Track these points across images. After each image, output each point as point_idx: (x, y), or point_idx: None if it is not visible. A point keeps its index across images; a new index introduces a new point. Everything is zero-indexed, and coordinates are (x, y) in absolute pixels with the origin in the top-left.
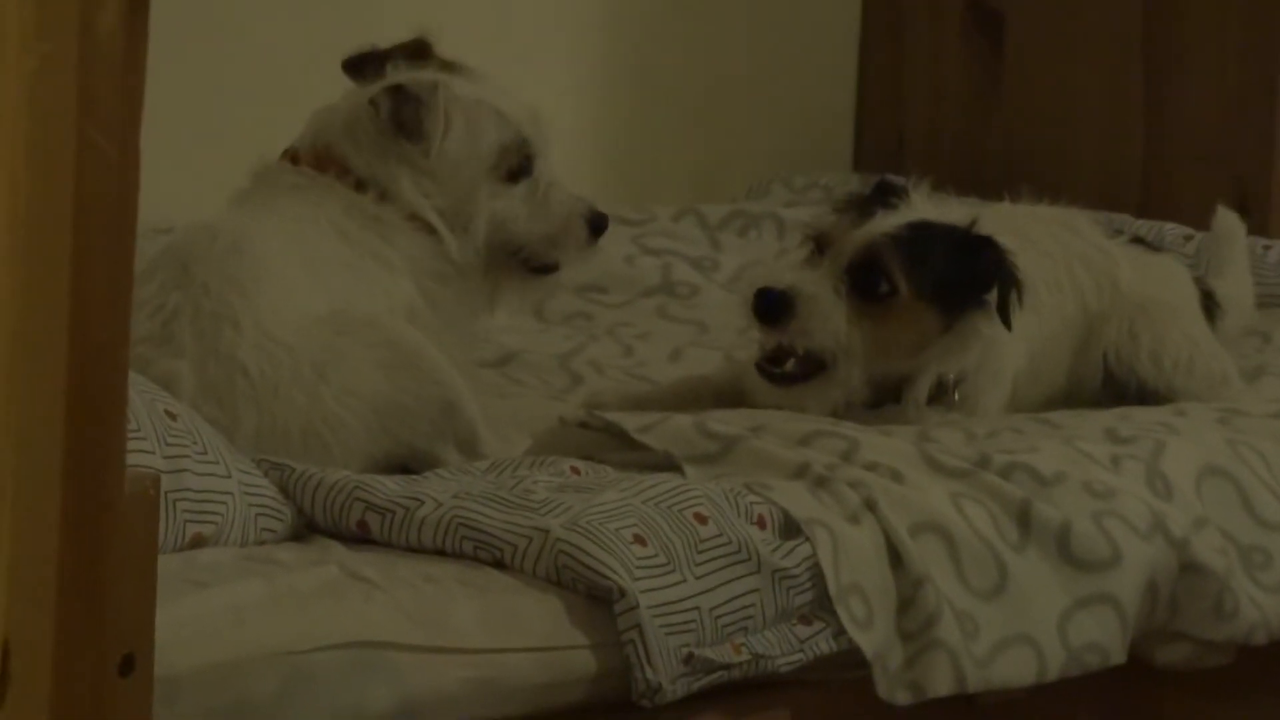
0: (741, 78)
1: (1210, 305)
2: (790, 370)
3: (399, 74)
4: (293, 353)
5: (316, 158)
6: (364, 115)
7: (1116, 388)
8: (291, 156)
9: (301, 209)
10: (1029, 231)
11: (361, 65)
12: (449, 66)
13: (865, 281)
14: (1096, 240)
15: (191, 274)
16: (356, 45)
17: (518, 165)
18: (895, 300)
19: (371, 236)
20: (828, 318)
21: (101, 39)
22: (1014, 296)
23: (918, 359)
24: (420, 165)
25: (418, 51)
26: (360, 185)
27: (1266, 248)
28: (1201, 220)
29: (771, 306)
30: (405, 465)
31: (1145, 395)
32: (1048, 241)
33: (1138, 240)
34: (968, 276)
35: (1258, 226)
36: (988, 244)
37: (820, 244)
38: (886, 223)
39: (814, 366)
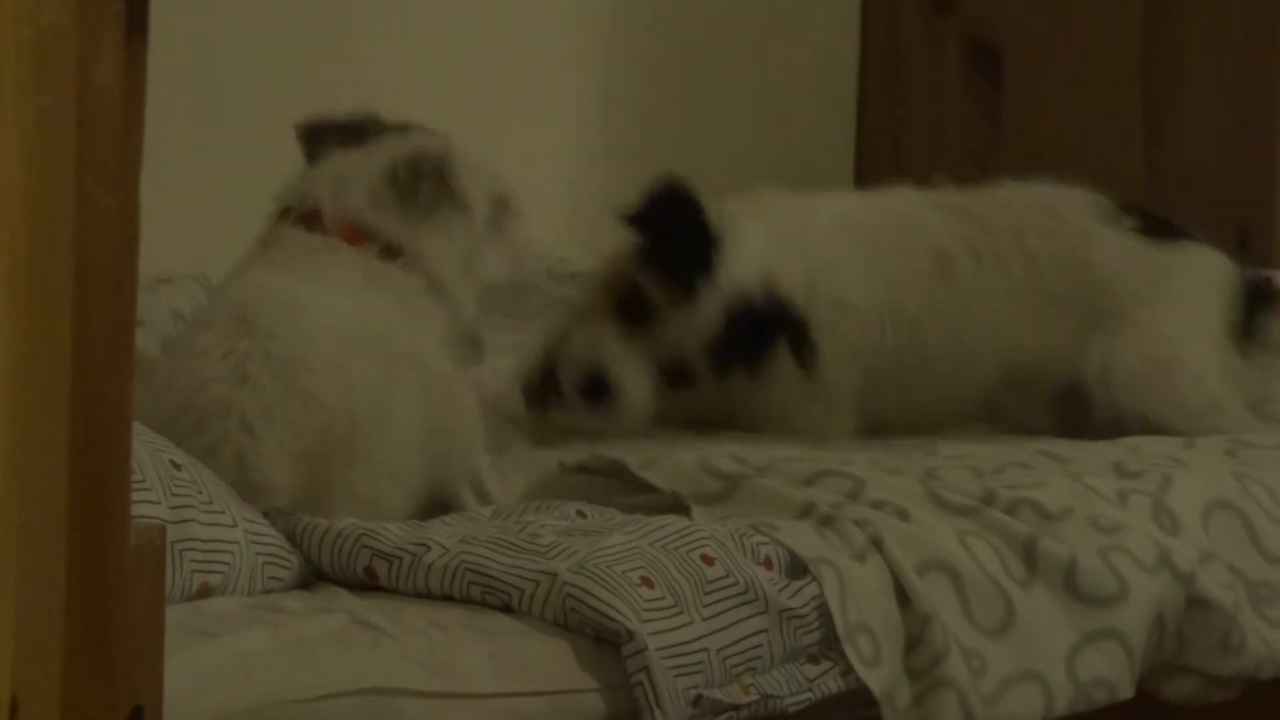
0: (739, 119)
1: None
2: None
3: (404, 141)
4: (365, 387)
5: (345, 229)
6: (384, 184)
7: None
8: (303, 219)
9: (331, 275)
10: (971, 208)
11: (319, 134)
12: (404, 129)
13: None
14: (1078, 222)
15: (255, 324)
16: (312, 113)
17: (500, 219)
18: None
19: (396, 302)
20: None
21: (99, 92)
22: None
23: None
24: (441, 230)
25: (370, 126)
26: (387, 252)
27: None
28: None
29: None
30: (437, 506)
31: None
32: (995, 216)
33: (1159, 227)
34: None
35: (1259, 259)
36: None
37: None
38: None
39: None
